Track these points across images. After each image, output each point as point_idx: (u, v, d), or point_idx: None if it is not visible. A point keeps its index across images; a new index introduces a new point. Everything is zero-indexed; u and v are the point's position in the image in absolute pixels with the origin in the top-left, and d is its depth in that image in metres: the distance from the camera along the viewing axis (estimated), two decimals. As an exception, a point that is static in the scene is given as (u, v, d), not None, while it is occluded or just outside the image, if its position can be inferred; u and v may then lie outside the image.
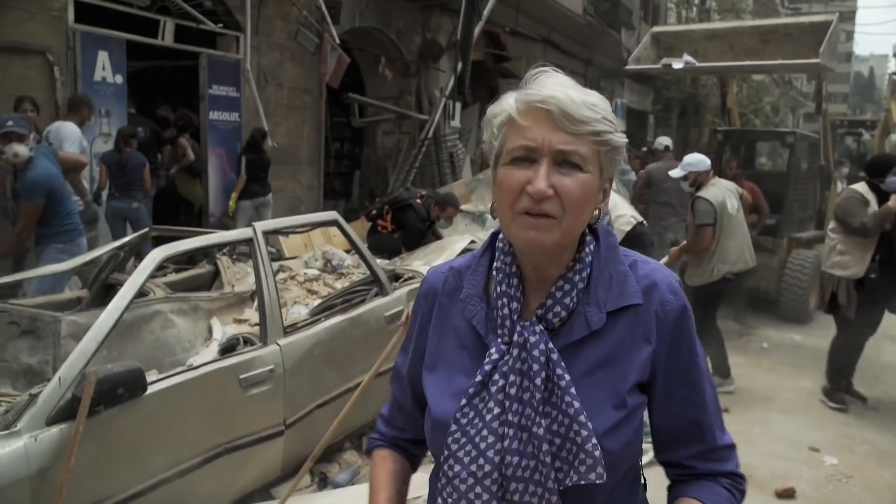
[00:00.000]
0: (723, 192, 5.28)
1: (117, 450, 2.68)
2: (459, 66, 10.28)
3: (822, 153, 8.41)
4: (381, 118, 11.67)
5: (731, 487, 1.18)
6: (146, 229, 4.21)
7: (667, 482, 1.25)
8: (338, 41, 9.04)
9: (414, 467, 1.37)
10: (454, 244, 5.32)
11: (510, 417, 1.07)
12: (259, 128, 8.04)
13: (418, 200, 6.60)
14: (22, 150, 4.61)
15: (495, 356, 1.10)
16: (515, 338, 1.10)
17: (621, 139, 1.10)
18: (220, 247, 4.20)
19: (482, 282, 1.19)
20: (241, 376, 3.16)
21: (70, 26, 6.51)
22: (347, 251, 6.45)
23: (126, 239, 4.16)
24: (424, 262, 4.97)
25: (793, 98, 30.03)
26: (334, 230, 6.96)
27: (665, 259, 5.49)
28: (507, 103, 1.09)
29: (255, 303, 4.68)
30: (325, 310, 4.03)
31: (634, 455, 1.15)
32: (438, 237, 6.51)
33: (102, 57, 6.82)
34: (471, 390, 1.10)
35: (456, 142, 11.85)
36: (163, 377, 2.88)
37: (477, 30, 10.85)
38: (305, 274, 5.46)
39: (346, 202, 12.56)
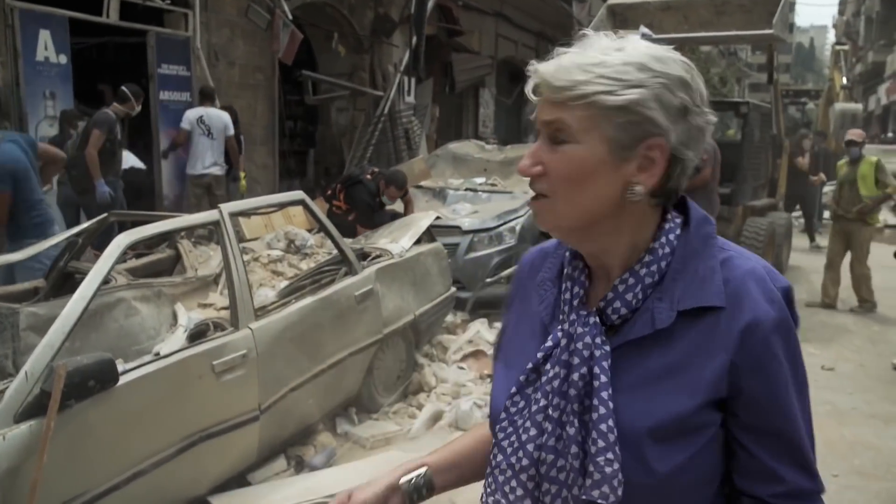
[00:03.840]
0: None
1: (90, 444, 2.60)
2: (414, 40, 10.15)
3: (773, 123, 8.59)
4: (335, 95, 11.48)
5: None
6: (104, 215, 4.06)
7: None
8: (290, 17, 8.82)
9: None
10: (419, 221, 5.27)
11: (551, 412, 0.98)
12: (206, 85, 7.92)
13: (368, 176, 6.55)
14: None
15: (549, 343, 1.02)
16: (567, 326, 1.01)
17: (632, 94, 0.91)
18: (186, 230, 4.09)
19: (558, 265, 1.10)
20: (214, 362, 3.09)
21: (8, 3, 6.19)
22: (309, 230, 6.37)
23: (84, 225, 4.01)
24: (391, 239, 4.92)
25: (738, 69, 30.61)
26: (294, 210, 6.89)
27: None
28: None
29: (220, 287, 4.59)
30: (294, 291, 3.97)
31: (698, 486, 0.97)
32: (397, 215, 6.46)
33: (44, 36, 6.51)
34: (522, 378, 1.03)
35: (411, 118, 11.74)
36: (134, 367, 2.80)
37: (430, 4, 10.72)
38: (269, 255, 5.37)
39: (302, 181, 12.37)
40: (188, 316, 4.10)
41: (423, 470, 1.18)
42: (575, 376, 0.97)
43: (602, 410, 0.93)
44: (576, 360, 0.97)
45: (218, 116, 7.69)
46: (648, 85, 0.92)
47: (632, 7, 8.10)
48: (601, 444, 0.92)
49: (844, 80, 17.10)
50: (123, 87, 6.76)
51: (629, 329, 0.98)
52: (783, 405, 0.97)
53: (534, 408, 1.00)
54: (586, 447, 0.94)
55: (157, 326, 4.02)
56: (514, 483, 1.00)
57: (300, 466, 3.70)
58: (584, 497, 0.93)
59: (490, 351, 5.24)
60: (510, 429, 1.02)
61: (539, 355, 1.02)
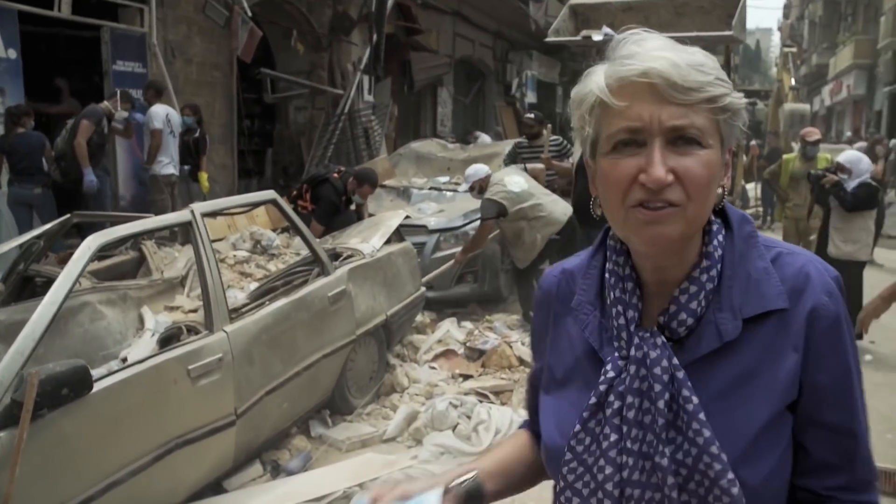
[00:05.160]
0: (501, 181, 5.69)
1: (64, 455, 2.49)
2: (375, 37, 10.07)
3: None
4: (294, 94, 11.32)
5: None
6: (67, 216, 3.91)
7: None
8: (249, 14, 8.66)
9: None
10: (389, 220, 5.22)
11: (629, 445, 0.93)
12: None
13: (335, 175, 6.48)
14: None
15: (611, 374, 0.96)
16: (633, 352, 0.95)
17: (740, 101, 0.92)
18: (157, 231, 3.97)
19: (595, 286, 1.04)
20: (189, 367, 3.00)
21: (-47, -4, 5.96)
22: (273, 230, 6.27)
23: (45, 227, 3.86)
24: (361, 238, 4.87)
25: (689, 69, 31.18)
26: (257, 210, 6.76)
27: (450, 264, 5.95)
28: (595, 82, 0.92)
29: (186, 289, 4.48)
30: (266, 293, 3.89)
31: (781, 488, 0.96)
32: (361, 217, 6.39)
33: (-8, 30, 6.28)
34: (585, 414, 0.97)
35: (370, 117, 11.64)
36: (109, 373, 2.70)
37: (390, 2, 10.66)
38: (235, 256, 5.26)
39: (260, 180, 12.18)
40: (155, 319, 3.99)
41: (473, 474, 1.13)
42: (660, 404, 0.92)
43: (707, 433, 0.89)
44: (657, 387, 0.92)
45: (175, 114, 7.54)
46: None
47: (594, 7, 8.19)
48: (717, 466, 0.89)
49: (793, 82, 17.57)
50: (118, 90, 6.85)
51: (695, 345, 0.95)
52: (848, 397, 0.96)
53: (605, 444, 0.95)
54: (699, 472, 0.90)
55: (124, 331, 3.91)
56: None
57: (276, 471, 3.62)
58: None
59: (461, 350, 5.23)
60: (580, 469, 0.97)
61: (602, 387, 0.96)
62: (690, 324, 0.94)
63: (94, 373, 2.68)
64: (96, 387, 2.57)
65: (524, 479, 1.17)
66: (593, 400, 0.97)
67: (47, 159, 6.37)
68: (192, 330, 3.26)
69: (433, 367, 5.00)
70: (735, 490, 0.88)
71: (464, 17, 15.78)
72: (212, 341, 3.15)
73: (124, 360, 3.54)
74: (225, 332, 3.23)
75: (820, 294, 0.94)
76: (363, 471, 3.54)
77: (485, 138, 13.17)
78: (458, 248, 6.39)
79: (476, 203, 6.87)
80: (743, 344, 0.93)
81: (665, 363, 0.92)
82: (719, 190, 0.94)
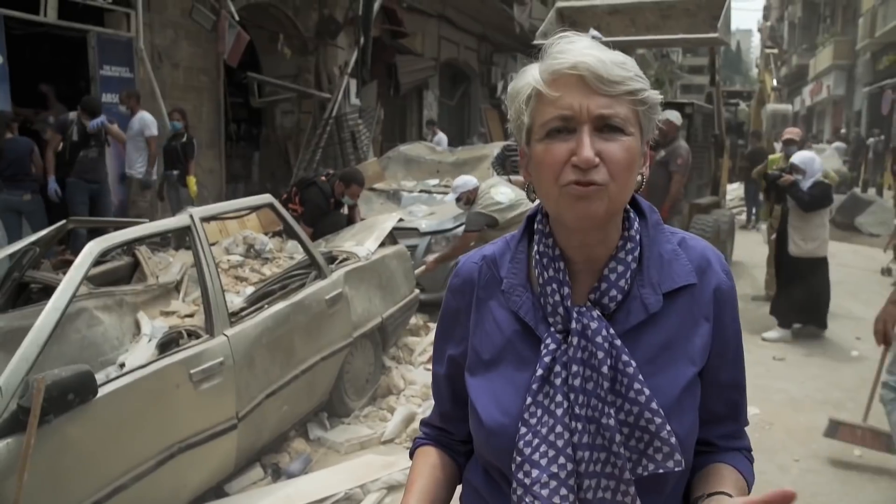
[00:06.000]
0: (489, 194, 5.65)
1: (70, 460, 2.50)
2: (362, 41, 10.09)
3: (715, 123, 8.87)
4: (281, 97, 11.33)
5: (750, 459, 1.17)
6: (62, 222, 3.90)
7: None
8: (236, 18, 8.66)
9: (459, 466, 1.25)
10: (383, 223, 5.24)
11: (577, 410, 1.01)
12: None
13: (323, 178, 6.50)
14: None
15: (552, 346, 1.04)
16: (573, 325, 1.03)
17: (657, 96, 1.03)
18: (156, 236, 3.96)
19: (524, 269, 1.12)
20: (191, 371, 3.00)
21: (-61, 1, 5.91)
22: (265, 234, 6.26)
23: (41, 233, 3.84)
24: (355, 241, 4.89)
25: (671, 71, 31.50)
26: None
27: (421, 269, 5.89)
28: (531, 76, 1.02)
29: (182, 294, 4.47)
30: (264, 296, 3.90)
31: (695, 438, 1.10)
32: (353, 219, 6.41)
33: (-22, 35, 6.24)
34: (534, 386, 1.03)
35: (357, 120, 11.66)
36: (113, 378, 2.70)
37: (376, 6, 10.68)
38: (229, 261, 5.25)
39: (247, 184, 12.15)
40: (152, 325, 3.98)
41: None
42: (604, 369, 1.01)
43: (647, 392, 1.00)
44: (600, 355, 1.01)
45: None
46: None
47: (580, 10, 8.26)
48: (658, 420, 0.99)
49: (774, 83, 17.80)
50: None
51: (624, 318, 1.05)
52: (740, 356, 1.14)
53: (559, 412, 1.02)
54: (639, 429, 1.00)
55: (121, 336, 3.90)
56: (563, 491, 1.00)
57: (277, 474, 3.63)
58: (647, 473, 1.01)
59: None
60: (536, 440, 1.02)
61: (546, 359, 1.03)
62: (619, 299, 1.05)
63: (99, 378, 2.69)
64: (101, 392, 2.57)
65: (446, 501, 1.21)
66: (540, 372, 1.04)
67: (36, 165, 6.33)
68: (192, 334, 3.27)
69: (428, 369, 5.02)
70: (673, 440, 1.00)
71: (448, 20, 15.84)
72: (213, 345, 3.16)
73: (122, 365, 3.53)
74: (225, 335, 3.24)
75: (720, 272, 1.10)
76: (364, 472, 3.56)
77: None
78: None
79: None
80: (664, 315, 1.06)
81: (605, 333, 1.02)
82: (638, 177, 1.06)
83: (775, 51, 21.30)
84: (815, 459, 4.03)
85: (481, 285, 1.15)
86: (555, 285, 1.06)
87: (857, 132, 21.05)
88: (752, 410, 4.59)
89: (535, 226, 1.13)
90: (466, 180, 5.96)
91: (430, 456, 1.24)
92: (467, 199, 5.82)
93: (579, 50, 0.99)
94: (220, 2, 8.52)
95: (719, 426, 1.14)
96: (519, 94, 1.04)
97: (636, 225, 1.09)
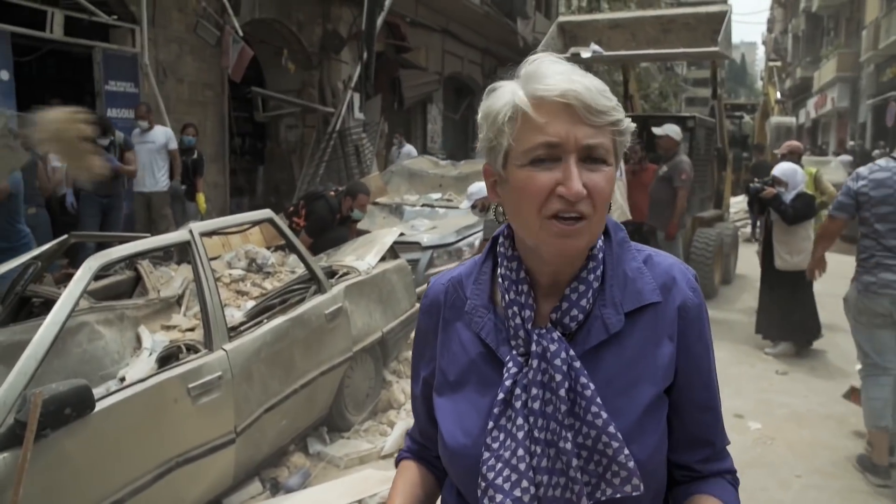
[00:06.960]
0: None
1: (67, 475, 2.50)
2: (365, 55, 10.16)
3: (718, 136, 8.88)
4: (285, 112, 11.40)
5: (734, 484, 1.15)
6: (64, 236, 3.92)
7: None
8: (240, 33, 8.73)
9: (439, 479, 1.26)
10: (384, 237, 5.25)
11: (536, 434, 1.00)
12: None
13: (332, 193, 6.52)
14: None
15: (514, 369, 1.03)
16: (533, 347, 1.02)
17: (631, 125, 1.03)
18: (156, 251, 3.99)
19: (487, 290, 1.11)
20: (190, 385, 3.01)
21: (-53, 19, 5.99)
22: (268, 248, 6.28)
23: (43, 248, 3.87)
24: (356, 256, 4.90)
25: (676, 84, 31.56)
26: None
27: (422, 288, 5.86)
28: (515, 97, 0.99)
29: (183, 308, 4.48)
30: (264, 311, 3.91)
31: (662, 461, 1.08)
32: (356, 233, 6.43)
33: (-15, 52, 6.31)
34: (496, 410, 1.02)
35: (361, 135, 11.73)
36: (110, 392, 2.71)
37: (379, 20, 10.76)
38: (230, 275, 5.26)
39: (251, 198, 12.22)
40: (152, 339, 3.99)
41: None
42: (561, 392, 1.00)
43: (604, 415, 0.98)
44: (558, 377, 1.00)
45: None
46: None
47: (581, 25, 8.30)
48: (615, 444, 0.98)
49: (778, 95, 17.82)
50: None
51: (585, 338, 1.04)
52: (711, 377, 1.11)
53: (520, 435, 1.01)
54: (597, 452, 0.98)
55: (121, 350, 3.91)
56: None
57: (276, 489, 3.63)
58: (604, 498, 0.99)
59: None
60: (499, 465, 1.01)
61: (507, 382, 1.02)
62: (580, 319, 1.04)
63: (94, 392, 2.70)
64: (98, 406, 2.58)
65: None
66: (501, 395, 1.03)
67: (40, 179, 6.37)
68: (190, 348, 3.27)
69: (429, 383, 5.01)
70: (631, 464, 0.97)
71: (452, 35, 15.95)
72: (211, 360, 3.16)
73: (122, 379, 3.54)
74: (224, 350, 3.25)
75: (686, 290, 1.08)
76: (362, 487, 3.55)
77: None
78: (452, 265, 6.44)
79: (470, 219, 6.93)
80: (626, 335, 1.04)
81: (563, 355, 1.01)
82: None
83: (779, 63, 21.36)
84: (818, 475, 4.00)
85: (448, 306, 1.15)
86: (516, 308, 1.05)
87: (861, 144, 21.01)
88: (753, 425, 4.57)
89: (498, 248, 1.12)
90: (481, 187, 5.93)
91: (411, 472, 1.25)
92: (482, 205, 5.83)
93: (566, 76, 0.97)
94: (224, 17, 8.60)
95: (697, 450, 1.12)
96: (498, 114, 1.01)
97: (599, 243, 1.08)
